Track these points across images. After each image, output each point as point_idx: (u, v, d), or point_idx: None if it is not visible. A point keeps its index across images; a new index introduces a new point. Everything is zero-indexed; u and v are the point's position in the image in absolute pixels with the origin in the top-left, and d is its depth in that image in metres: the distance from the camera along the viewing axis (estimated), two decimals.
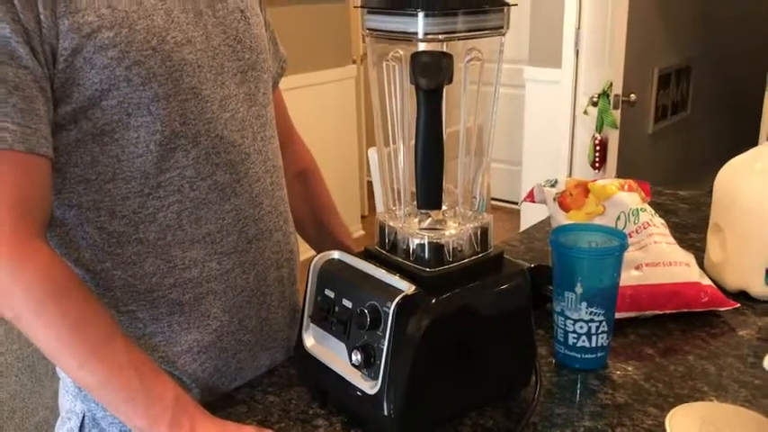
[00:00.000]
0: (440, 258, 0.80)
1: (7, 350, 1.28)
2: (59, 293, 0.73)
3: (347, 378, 0.80)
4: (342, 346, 0.81)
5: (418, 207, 0.79)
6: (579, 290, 0.91)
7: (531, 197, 1.26)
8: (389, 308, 0.75)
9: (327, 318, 0.83)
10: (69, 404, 0.90)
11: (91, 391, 0.79)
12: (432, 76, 0.71)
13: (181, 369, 0.86)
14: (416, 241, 0.81)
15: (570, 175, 3.30)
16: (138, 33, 0.77)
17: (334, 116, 3.62)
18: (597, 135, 2.58)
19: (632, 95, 2.48)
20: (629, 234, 1.10)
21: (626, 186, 1.16)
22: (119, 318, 0.83)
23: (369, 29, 0.78)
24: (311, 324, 0.86)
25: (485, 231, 0.84)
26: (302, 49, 3.32)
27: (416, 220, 0.84)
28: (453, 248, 0.81)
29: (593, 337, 0.93)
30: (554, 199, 1.20)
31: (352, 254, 0.86)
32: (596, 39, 3.10)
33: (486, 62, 0.79)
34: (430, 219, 0.84)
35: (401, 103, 0.79)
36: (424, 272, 0.79)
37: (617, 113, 2.50)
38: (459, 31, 0.74)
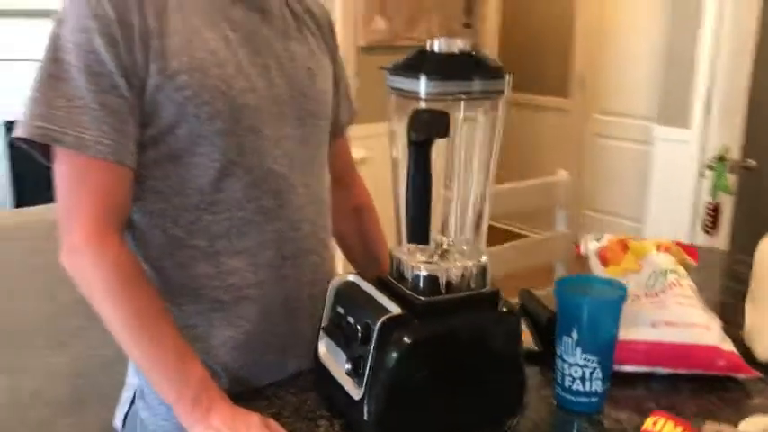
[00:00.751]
0: (433, 289, 0.91)
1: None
2: (128, 282, 0.92)
3: (342, 384, 0.92)
4: (343, 357, 0.93)
5: (408, 241, 0.90)
6: (575, 335, 0.97)
7: (578, 249, 1.32)
8: (376, 325, 0.86)
9: (336, 331, 0.96)
10: (131, 378, 1.09)
11: (139, 365, 0.96)
12: (420, 130, 0.82)
13: (214, 359, 1.02)
14: (415, 272, 0.92)
15: (692, 239, 3.20)
16: (210, 79, 0.95)
17: None
18: (711, 200, 2.52)
19: (750, 161, 2.41)
20: (655, 293, 1.14)
21: (663, 247, 1.20)
22: (170, 308, 1.00)
23: (390, 87, 0.91)
24: (325, 335, 0.99)
25: (482, 270, 0.93)
26: None
27: (421, 253, 0.95)
28: (447, 282, 0.91)
29: (587, 382, 0.98)
30: (596, 253, 1.25)
31: (365, 279, 0.98)
32: (728, 101, 3.02)
33: (487, 122, 0.90)
34: (435, 254, 0.95)
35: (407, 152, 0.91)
36: (418, 299, 0.90)
37: (732, 179, 2.44)
38: (457, 94, 0.85)
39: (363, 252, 1.25)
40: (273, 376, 1.07)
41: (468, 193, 0.95)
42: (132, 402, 1.07)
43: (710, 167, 2.51)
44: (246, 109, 0.98)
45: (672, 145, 3.27)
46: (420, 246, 0.95)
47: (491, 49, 3.97)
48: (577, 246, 1.32)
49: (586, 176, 4.35)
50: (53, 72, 0.90)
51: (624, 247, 1.23)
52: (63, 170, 0.93)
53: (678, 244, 1.27)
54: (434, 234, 0.95)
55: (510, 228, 4.46)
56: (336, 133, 1.21)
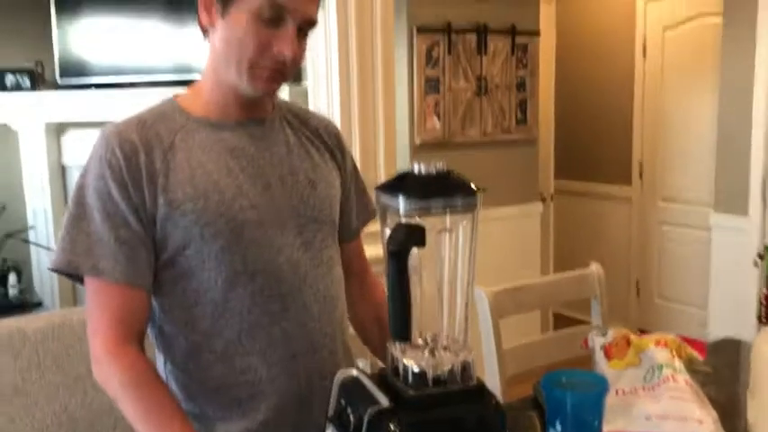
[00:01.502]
0: (421, 383, 1.01)
1: None
2: (139, 382, 1.06)
3: None
4: None
5: (392, 339, 1.01)
6: (559, 428, 1.04)
7: (585, 344, 1.39)
8: (366, 416, 0.97)
9: (339, 421, 1.07)
10: None
11: None
12: (397, 242, 0.95)
13: None
14: (405, 367, 1.02)
15: (758, 329, 3.13)
16: (211, 204, 1.10)
17: (518, 249, 3.82)
18: (764, 289, 2.50)
19: None
20: (651, 387, 1.19)
21: (662, 342, 1.26)
22: (193, 405, 1.13)
23: (378, 201, 1.05)
24: (330, 425, 1.10)
25: (466, 366, 1.03)
26: (494, 185, 3.62)
27: (413, 349, 1.05)
28: (435, 377, 1.01)
29: None
30: (600, 347, 1.32)
31: (366, 374, 1.09)
32: None
33: (464, 232, 1.02)
34: (425, 350, 1.05)
35: None
36: (407, 393, 1.00)
37: None
38: (432, 210, 0.98)
39: (381, 342, 1.35)
40: None
41: (454, 294, 1.05)
42: None
43: (761, 256, 2.49)
44: (247, 224, 1.12)
45: (729, 232, 3.27)
46: (411, 344, 1.06)
47: (547, 142, 4.09)
48: (585, 341, 1.39)
49: (653, 264, 4.31)
50: (77, 213, 1.09)
51: (627, 342, 1.30)
52: (88, 293, 1.10)
53: (683, 339, 1.32)
54: (424, 331, 1.06)
55: (571, 315, 4.44)
56: (349, 236, 1.34)
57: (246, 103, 1.16)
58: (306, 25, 1.11)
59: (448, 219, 1.03)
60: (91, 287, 1.09)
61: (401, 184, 1.01)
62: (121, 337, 1.08)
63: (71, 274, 1.10)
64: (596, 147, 4.59)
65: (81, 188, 1.10)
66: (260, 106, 1.19)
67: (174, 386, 1.15)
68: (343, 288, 1.27)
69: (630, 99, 4.35)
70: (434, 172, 1.00)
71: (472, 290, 1.05)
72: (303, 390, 1.17)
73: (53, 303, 3.91)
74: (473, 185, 1.00)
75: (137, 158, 1.08)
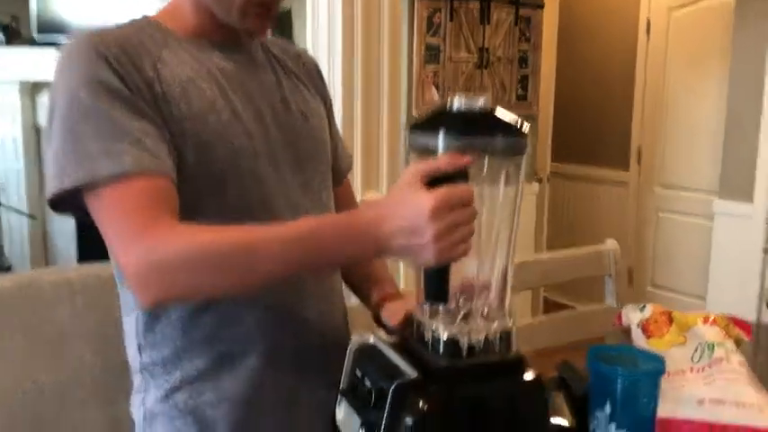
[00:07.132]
0: (454, 353, 0.86)
1: None
2: (211, 236, 0.86)
3: None
4: (359, 422, 0.89)
5: (426, 299, 0.87)
6: (608, 410, 0.91)
7: (619, 320, 1.26)
8: (390, 389, 0.82)
9: (353, 393, 0.92)
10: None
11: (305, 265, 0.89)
12: (432, 184, 0.80)
13: (226, 415, 0.99)
14: (435, 335, 0.88)
15: (758, 317, 3.04)
16: (209, 125, 0.95)
17: None
18: None
19: None
20: (702, 368, 1.06)
21: (710, 319, 1.13)
22: (179, 362, 0.99)
23: (410, 145, 0.90)
24: (343, 399, 0.95)
25: (506, 334, 0.89)
26: None
27: (443, 316, 0.91)
28: (469, 346, 0.87)
29: None
30: (638, 324, 1.19)
31: (385, 342, 0.94)
32: None
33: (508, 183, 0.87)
34: (457, 317, 0.91)
35: None
36: (437, 364, 0.86)
37: None
38: (476, 149, 0.83)
39: (361, 274, 1.19)
40: None
41: (494, 256, 0.91)
42: None
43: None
44: (243, 153, 0.97)
45: (734, 219, 3.17)
46: (442, 308, 0.92)
47: (545, 122, 3.96)
48: (619, 317, 1.26)
49: (648, 252, 4.21)
50: (69, 125, 0.89)
51: (669, 318, 1.17)
52: (102, 209, 0.89)
53: (730, 318, 1.19)
54: (457, 297, 0.91)
55: (561, 301, 4.34)
56: (338, 180, 1.20)
57: (227, 30, 1.03)
58: None
59: (487, 162, 0.88)
60: (107, 198, 0.88)
61: (438, 119, 0.86)
62: (153, 218, 0.86)
63: (75, 195, 0.89)
64: (595, 129, 4.47)
65: (66, 95, 0.90)
66: (239, 35, 1.05)
67: (156, 341, 1.00)
68: None
69: (631, 81, 4.22)
70: (477, 108, 0.86)
71: (514, 249, 0.90)
72: (299, 344, 1.03)
73: (24, 268, 3.73)
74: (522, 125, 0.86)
75: (128, 59, 0.92)
